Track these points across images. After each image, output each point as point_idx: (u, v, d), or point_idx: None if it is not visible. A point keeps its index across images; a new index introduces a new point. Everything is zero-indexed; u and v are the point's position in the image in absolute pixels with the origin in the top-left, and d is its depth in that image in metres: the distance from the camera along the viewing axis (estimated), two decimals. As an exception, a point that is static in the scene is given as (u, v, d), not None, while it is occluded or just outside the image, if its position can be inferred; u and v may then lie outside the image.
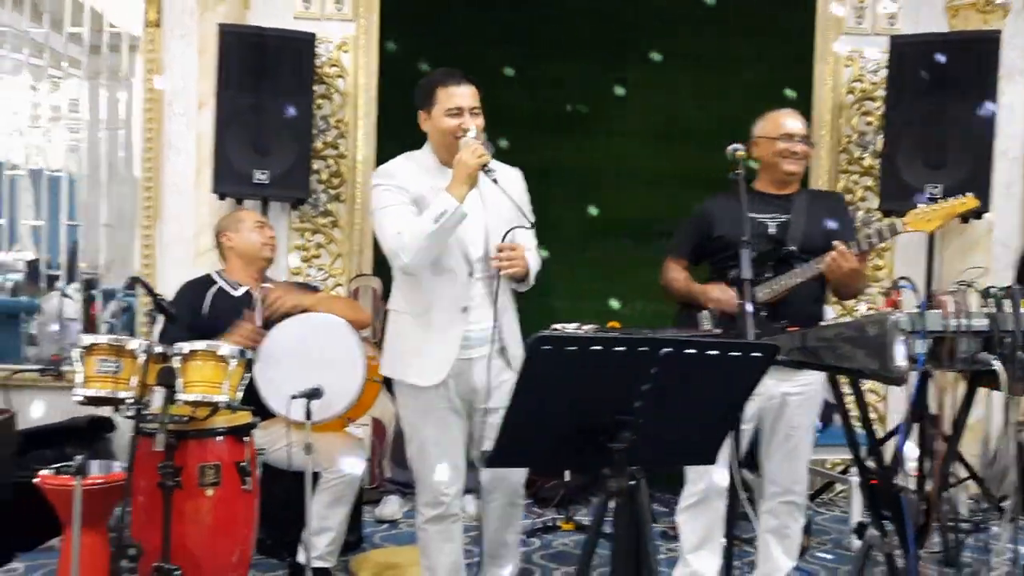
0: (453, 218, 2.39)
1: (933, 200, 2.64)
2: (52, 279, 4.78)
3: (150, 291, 2.41)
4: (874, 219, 4.41)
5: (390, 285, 4.25)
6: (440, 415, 2.56)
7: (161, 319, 2.44)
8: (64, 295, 4.95)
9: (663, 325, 3.05)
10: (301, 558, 2.96)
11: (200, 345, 2.32)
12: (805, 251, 2.72)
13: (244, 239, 3.16)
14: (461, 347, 2.53)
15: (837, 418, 3.90)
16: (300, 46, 4.17)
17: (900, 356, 1.97)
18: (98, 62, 4.76)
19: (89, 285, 4.79)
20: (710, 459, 1.76)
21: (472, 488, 3.61)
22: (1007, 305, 2.06)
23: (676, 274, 2.95)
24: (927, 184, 3.89)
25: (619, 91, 4.76)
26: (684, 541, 2.91)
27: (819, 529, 3.96)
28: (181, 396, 2.27)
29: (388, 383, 4.33)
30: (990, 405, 2.21)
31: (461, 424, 2.60)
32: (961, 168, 3.89)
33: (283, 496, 3.16)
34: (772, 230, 2.80)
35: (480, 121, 2.53)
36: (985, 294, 2.09)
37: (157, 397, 2.30)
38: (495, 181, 2.43)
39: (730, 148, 2.65)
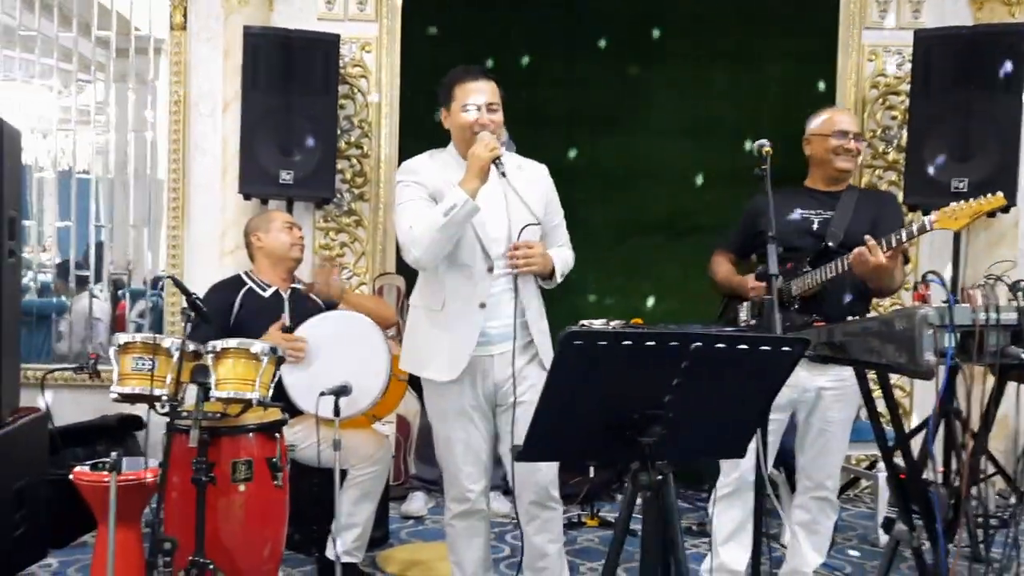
0: (462, 211, 2.37)
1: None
2: (81, 280, 4.85)
3: (184, 290, 2.44)
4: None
5: (414, 283, 4.36)
6: (462, 411, 2.56)
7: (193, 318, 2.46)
8: (92, 295, 5.02)
9: (689, 321, 3.07)
10: (330, 553, 3.00)
11: (232, 343, 2.36)
12: (845, 247, 2.70)
13: (274, 239, 3.20)
14: (479, 344, 2.50)
15: (863, 413, 3.91)
16: (325, 47, 4.21)
17: (929, 350, 1.97)
18: (125, 65, 4.82)
19: (116, 285, 4.86)
20: (740, 453, 1.77)
21: (497, 485, 3.65)
22: (1036, 299, 2.06)
23: (720, 267, 3.03)
24: (953, 178, 3.87)
25: (646, 89, 4.76)
26: (716, 532, 2.89)
27: (845, 525, 3.95)
28: (214, 393, 2.31)
29: (413, 380, 4.44)
30: (1019, 399, 2.18)
31: (485, 422, 2.60)
32: (987, 162, 3.86)
33: (311, 492, 3.21)
34: (815, 227, 2.82)
35: (498, 117, 2.52)
36: (1014, 288, 2.08)
37: (191, 394, 2.33)
38: (503, 174, 2.40)
39: (756, 144, 2.66)
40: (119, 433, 4.30)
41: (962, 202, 2.50)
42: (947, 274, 4.06)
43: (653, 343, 1.53)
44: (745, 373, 1.62)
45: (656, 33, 4.73)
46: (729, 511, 2.83)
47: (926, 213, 4.08)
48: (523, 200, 2.45)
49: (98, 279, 4.85)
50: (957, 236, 4.08)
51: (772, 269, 2.33)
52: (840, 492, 4.30)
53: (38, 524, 3.45)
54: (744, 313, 2.80)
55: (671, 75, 4.71)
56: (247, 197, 4.26)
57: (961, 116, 3.88)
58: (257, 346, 2.37)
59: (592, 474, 3.99)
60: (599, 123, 4.72)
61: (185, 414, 2.31)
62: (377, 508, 3.32)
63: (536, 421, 1.60)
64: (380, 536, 3.59)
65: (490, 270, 2.50)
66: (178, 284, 2.52)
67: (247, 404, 2.37)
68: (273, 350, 2.41)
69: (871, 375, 2.41)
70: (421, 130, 4.55)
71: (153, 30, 4.69)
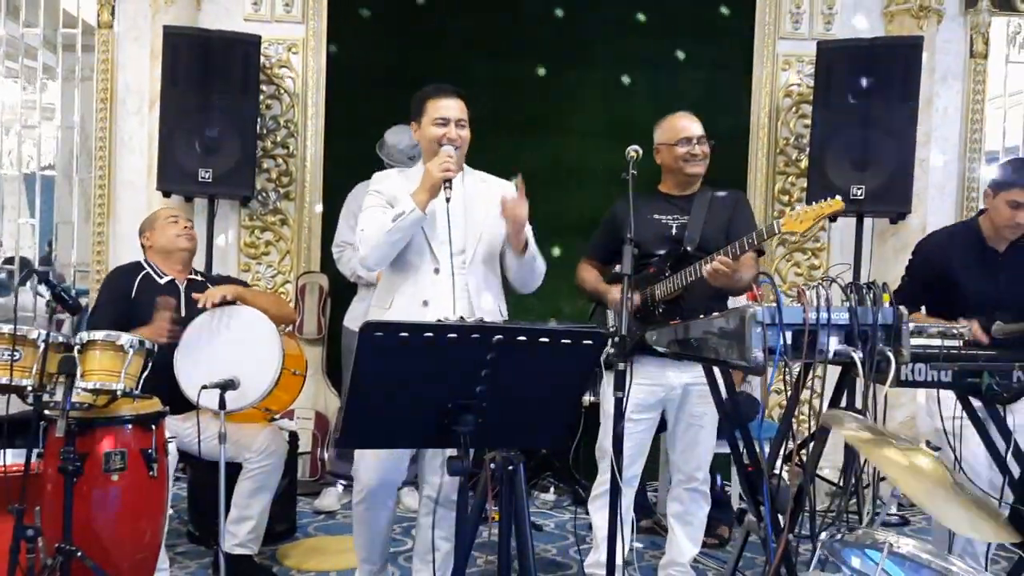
0: (408, 219, 2.54)
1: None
2: (11, 274, 4.87)
3: (47, 282, 2.49)
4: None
5: (336, 282, 4.42)
6: None
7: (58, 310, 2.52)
8: (38, 293, 5.04)
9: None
10: (224, 546, 3.05)
11: (99, 335, 2.41)
12: (702, 251, 2.82)
13: (159, 234, 3.27)
14: None
15: (775, 415, 4.02)
16: (246, 47, 4.26)
17: (757, 347, 2.06)
18: (53, 61, 4.84)
19: (45, 281, 4.87)
20: (556, 442, 1.85)
21: (411, 482, 3.71)
22: (868, 300, 2.15)
23: (587, 274, 3.09)
24: (852, 185, 3.98)
25: (569, 92, 4.84)
26: (596, 530, 3.02)
27: (745, 522, 4.03)
28: (80, 384, 2.35)
29: (333, 378, 4.49)
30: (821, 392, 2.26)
31: None
32: (885, 170, 3.98)
33: (211, 486, 3.25)
34: (673, 231, 2.92)
35: (465, 133, 2.69)
36: (847, 289, 2.17)
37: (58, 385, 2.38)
38: (448, 200, 2.56)
39: (628, 149, 2.76)
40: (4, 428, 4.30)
41: (805, 206, 2.60)
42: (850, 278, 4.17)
43: (455, 335, 1.61)
44: (550, 365, 1.70)
45: (580, 37, 4.80)
46: (604, 509, 2.91)
47: (832, 220, 4.22)
48: (476, 215, 2.68)
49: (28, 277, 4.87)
50: (859, 243, 4.19)
51: (626, 269, 2.41)
52: (746, 490, 4.43)
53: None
54: (611, 319, 2.89)
55: (594, 79, 4.78)
56: (167, 194, 4.31)
57: (860, 125, 3.99)
58: (124, 338, 2.42)
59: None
60: (522, 125, 4.79)
61: (53, 404, 2.35)
62: (284, 502, 3.38)
63: (347, 409, 1.67)
64: (285, 530, 3.65)
65: (436, 271, 2.65)
66: (41, 276, 2.57)
67: (113, 395, 2.42)
68: (141, 343, 2.46)
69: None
70: (346, 130, 4.67)
71: (86, 23, 4.73)
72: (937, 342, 2.38)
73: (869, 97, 3.99)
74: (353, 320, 4.17)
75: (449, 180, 2.55)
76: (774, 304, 2.08)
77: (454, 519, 2.70)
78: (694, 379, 2.85)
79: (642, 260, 2.89)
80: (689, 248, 2.83)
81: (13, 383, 2.34)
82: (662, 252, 2.87)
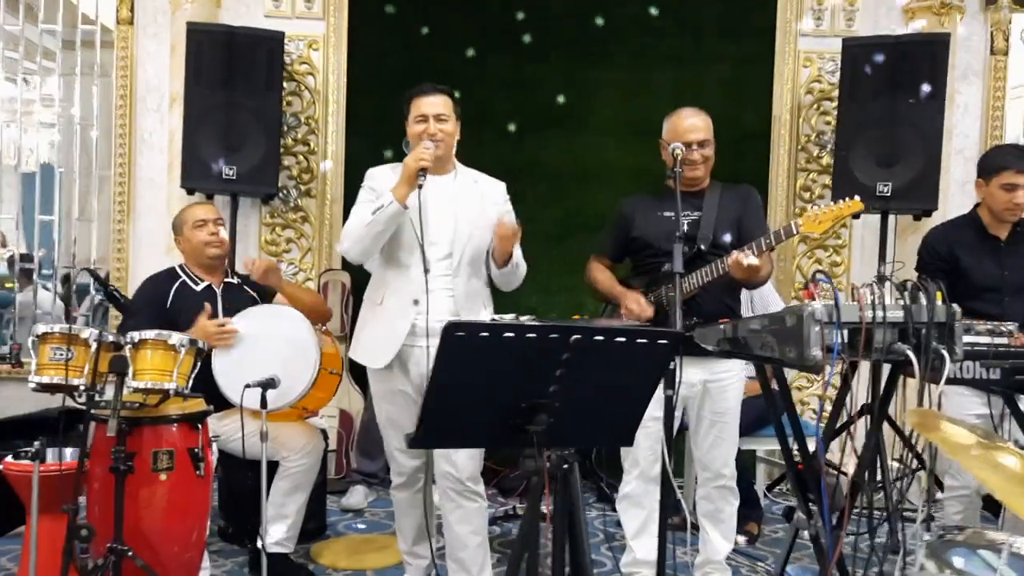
0: (387, 212, 2.62)
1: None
2: (30, 273, 4.86)
3: (100, 281, 2.49)
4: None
5: (359, 280, 4.41)
6: (394, 396, 2.79)
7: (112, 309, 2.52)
8: (45, 288, 5.02)
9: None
10: (261, 544, 3.04)
11: (150, 334, 2.40)
12: (715, 247, 2.83)
13: (188, 238, 3.22)
14: (410, 335, 2.73)
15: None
16: (270, 44, 4.25)
17: (816, 345, 2.07)
18: (73, 57, 4.82)
19: (66, 279, 4.87)
20: (627, 441, 1.85)
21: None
22: (922, 298, 2.17)
23: (599, 274, 3.05)
24: (879, 182, 3.99)
25: (581, 88, 4.84)
26: (625, 528, 3.03)
27: (772, 518, 4.06)
28: (132, 383, 2.35)
29: (359, 378, 4.49)
30: (904, 394, 2.29)
31: (413, 407, 2.76)
32: (911, 167, 3.99)
33: (245, 485, 3.25)
34: (685, 229, 2.88)
35: (447, 126, 2.76)
36: (901, 287, 2.18)
37: (111, 384, 2.37)
38: (420, 186, 2.62)
39: (673, 146, 2.76)
40: (60, 426, 4.30)
41: (823, 207, 2.62)
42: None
43: (534, 335, 1.61)
44: (625, 364, 1.71)
45: (600, 35, 4.80)
46: (633, 508, 2.95)
47: (856, 217, 4.22)
48: (467, 214, 2.75)
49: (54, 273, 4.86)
50: (883, 240, 4.20)
51: (677, 267, 2.41)
52: (770, 487, 4.45)
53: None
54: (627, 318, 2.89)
55: (615, 76, 4.78)
56: (190, 192, 4.29)
57: (887, 122, 4.00)
58: (175, 337, 2.42)
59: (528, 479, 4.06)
60: (544, 123, 4.79)
61: (103, 404, 2.34)
62: (314, 501, 3.37)
63: (425, 409, 1.67)
64: (316, 528, 3.65)
65: (426, 271, 2.71)
66: (95, 276, 2.56)
67: (165, 394, 2.41)
68: (192, 342, 2.45)
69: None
70: (367, 127, 4.66)
71: (101, 22, 4.71)
72: (986, 340, 2.39)
73: (895, 94, 3.99)
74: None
75: (424, 170, 2.60)
76: (831, 302, 2.09)
77: (478, 511, 2.78)
78: (713, 376, 2.86)
79: (654, 259, 2.89)
80: (703, 246, 2.83)
81: (68, 383, 2.32)
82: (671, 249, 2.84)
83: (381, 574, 3.24)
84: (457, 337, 1.57)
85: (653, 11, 4.78)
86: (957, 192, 4.53)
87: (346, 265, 4.59)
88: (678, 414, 2.91)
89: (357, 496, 4.14)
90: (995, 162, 3.12)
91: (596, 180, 4.82)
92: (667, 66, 4.75)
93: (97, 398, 2.35)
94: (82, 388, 2.33)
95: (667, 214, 2.82)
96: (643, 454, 2.89)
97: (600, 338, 1.64)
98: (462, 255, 2.76)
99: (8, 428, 4.02)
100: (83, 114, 4.80)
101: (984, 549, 1.43)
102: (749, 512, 3.68)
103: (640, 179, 4.78)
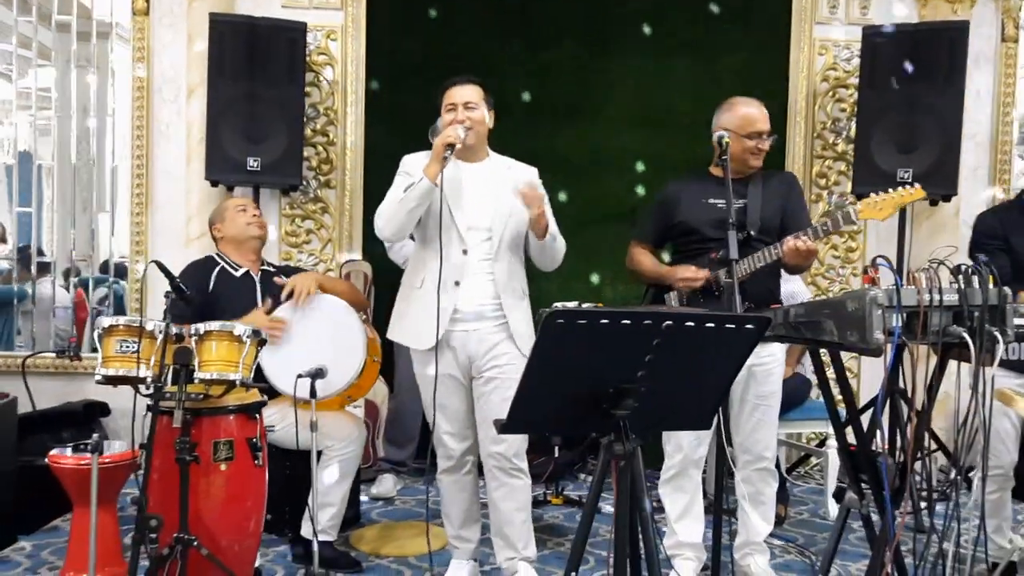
0: (417, 189, 2.68)
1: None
2: (41, 266, 4.83)
3: (168, 274, 2.50)
4: (847, 202, 4.58)
5: (380, 270, 4.43)
6: (442, 379, 2.81)
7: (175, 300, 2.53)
8: (55, 282, 5.00)
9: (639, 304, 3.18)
10: (305, 532, 3.07)
11: (215, 325, 2.42)
12: (763, 233, 2.88)
13: (231, 225, 3.28)
14: (454, 319, 2.79)
15: (815, 393, 4.10)
16: (291, 35, 4.24)
17: (878, 329, 2.12)
18: (83, 50, 4.79)
19: (75, 272, 4.85)
20: (706, 424, 1.90)
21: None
22: (975, 281, 2.22)
23: (643, 258, 3.09)
24: (899, 169, 4.06)
25: (596, 76, 4.87)
26: (669, 512, 3.09)
27: (796, 500, 4.14)
28: (198, 374, 2.37)
29: (383, 367, 4.51)
30: (957, 379, 2.37)
31: (462, 389, 2.86)
32: (931, 153, 4.06)
33: (284, 475, 3.28)
34: (733, 216, 2.93)
35: (476, 114, 2.81)
36: (956, 271, 2.24)
37: (173, 376, 2.38)
38: (445, 157, 2.67)
39: (719, 134, 2.80)
40: (84, 420, 4.31)
41: (883, 194, 2.66)
42: (893, 260, 4.26)
43: (628, 322, 1.65)
44: (711, 349, 1.75)
45: (612, 23, 4.82)
46: (676, 492, 3.01)
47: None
48: (503, 201, 2.80)
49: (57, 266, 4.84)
50: (901, 224, 4.28)
51: (732, 254, 2.46)
52: (791, 469, 4.53)
53: (6, 510, 3.46)
54: (673, 301, 2.93)
55: (630, 65, 4.81)
56: (214, 184, 4.29)
57: (906, 109, 4.06)
58: (240, 328, 2.44)
59: (556, 454, 4.12)
60: (559, 112, 4.81)
61: (169, 395, 2.36)
62: (351, 488, 3.40)
63: (519, 395, 1.70)
64: (352, 516, 3.67)
65: (464, 253, 2.77)
66: (162, 268, 2.57)
67: (231, 385, 2.43)
68: (256, 332, 2.47)
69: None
70: (386, 117, 4.67)
71: (113, 15, 4.68)
72: (1033, 321, 2.45)
73: (914, 81, 4.05)
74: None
75: (452, 146, 2.66)
76: (891, 287, 2.15)
77: (523, 488, 2.86)
78: (758, 360, 2.91)
79: (700, 245, 2.93)
80: (753, 232, 2.88)
81: (137, 375, 2.33)
82: (721, 237, 2.89)
83: (424, 560, 3.28)
84: (558, 325, 1.61)
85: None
86: (969, 177, 4.61)
87: (367, 255, 4.61)
88: None
89: (386, 484, 4.18)
90: None
91: (613, 170, 4.85)
92: (682, 55, 4.78)
93: (163, 389, 2.36)
94: (149, 380, 2.34)
95: (712, 201, 2.87)
96: (686, 439, 2.95)
97: (691, 323, 1.67)
98: (501, 238, 2.82)
99: (30, 424, 4.03)
100: (94, 106, 4.76)
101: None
102: (776, 494, 3.75)
103: (655, 168, 4.85)
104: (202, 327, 2.41)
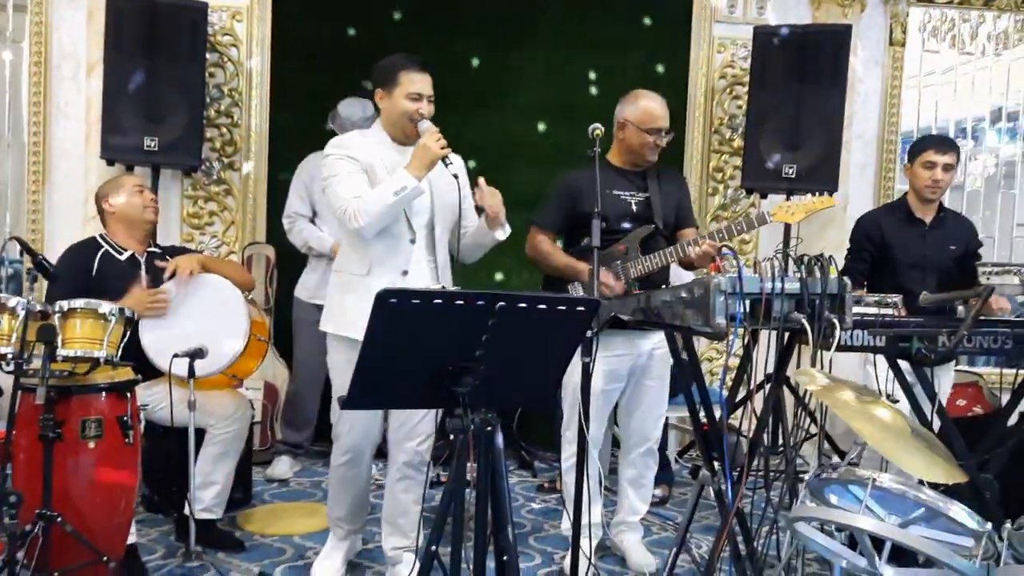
0: (410, 195, 2.63)
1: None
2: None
3: (29, 250, 2.49)
4: (741, 196, 4.75)
5: (283, 253, 4.44)
6: None
7: (42, 279, 2.52)
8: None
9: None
10: (188, 511, 3.09)
11: (79, 303, 2.42)
12: (666, 228, 2.99)
13: (126, 203, 3.21)
14: None
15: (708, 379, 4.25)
16: (193, 15, 4.20)
17: (720, 314, 2.24)
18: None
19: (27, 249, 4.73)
20: (547, 402, 2.00)
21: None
22: (817, 271, 2.36)
23: (551, 248, 3.12)
24: (784, 165, 4.23)
25: (510, 70, 4.94)
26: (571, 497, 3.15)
27: (682, 481, 4.29)
28: (61, 352, 2.37)
29: (283, 350, 4.52)
30: (799, 361, 2.52)
31: None
32: (815, 151, 4.24)
33: (170, 453, 3.28)
34: (634, 207, 3.04)
35: (432, 109, 2.77)
36: (799, 261, 2.37)
37: (38, 353, 2.38)
38: (456, 177, 2.69)
39: (590, 127, 2.89)
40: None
41: (797, 199, 2.81)
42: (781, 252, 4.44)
43: (462, 302, 1.72)
44: (546, 330, 1.84)
45: (524, 17, 4.89)
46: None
47: (763, 197, 4.48)
48: (437, 188, 2.77)
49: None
50: (791, 219, 4.45)
51: (595, 242, 2.55)
52: (681, 453, 4.69)
53: None
54: (573, 292, 3.01)
55: (537, 57, 4.89)
56: (111, 163, 4.23)
57: (792, 108, 4.23)
58: (105, 306, 2.44)
59: (452, 437, 4.18)
60: (468, 103, 4.86)
61: (31, 372, 2.35)
62: (240, 471, 3.42)
63: (358, 371, 1.77)
64: (242, 497, 3.68)
65: (412, 241, 2.76)
66: (23, 244, 2.55)
67: (95, 363, 2.44)
68: (122, 311, 2.48)
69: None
70: (290, 102, 4.66)
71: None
72: (874, 310, 2.62)
73: (801, 81, 4.22)
74: (304, 290, 4.21)
75: (446, 156, 2.65)
76: (734, 275, 2.27)
77: (423, 482, 2.88)
78: (656, 344, 3.03)
79: (608, 236, 2.95)
80: (660, 225, 2.98)
81: (-5, 351, 2.33)
82: (627, 228, 2.98)
83: (309, 539, 3.32)
84: (390, 303, 1.67)
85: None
86: (857, 175, 4.83)
87: (270, 238, 4.61)
88: (623, 385, 3.06)
89: (282, 466, 4.20)
90: (919, 146, 3.49)
91: (521, 160, 4.93)
92: (588, 48, 4.88)
93: (25, 367, 2.35)
94: (10, 356, 2.33)
95: (616, 192, 2.96)
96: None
97: (523, 305, 1.76)
98: (442, 225, 2.81)
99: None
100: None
101: (854, 484, 1.62)
102: (660, 475, 3.87)
103: (560, 158, 4.94)
104: (65, 304, 2.40)
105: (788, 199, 4.46)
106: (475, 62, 4.91)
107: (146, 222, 3.25)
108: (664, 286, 2.91)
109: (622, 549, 3.20)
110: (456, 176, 2.70)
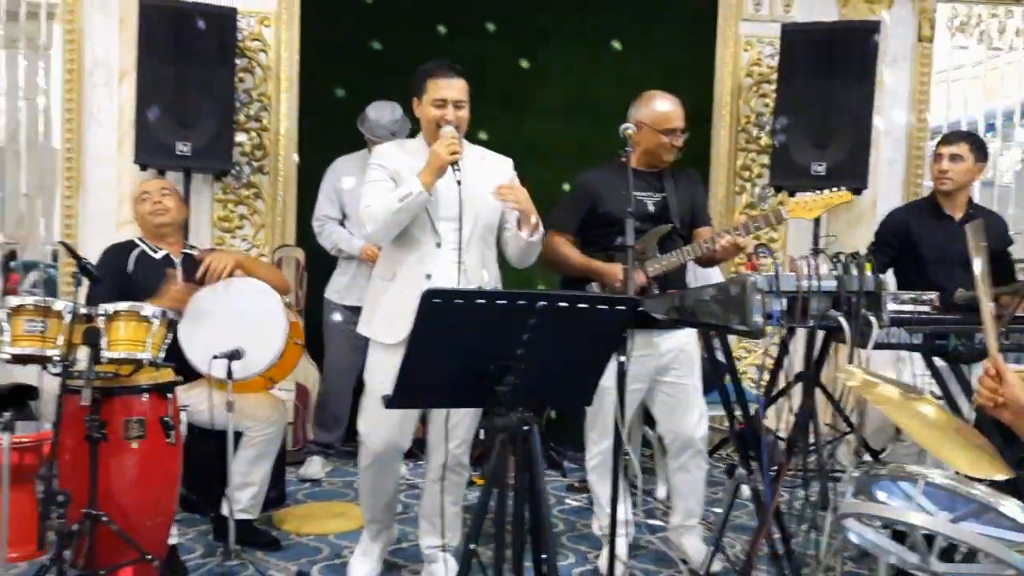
0: (415, 201, 2.62)
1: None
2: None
3: (74, 254, 2.54)
4: (769, 195, 4.74)
5: (313, 256, 4.48)
6: None
7: (85, 282, 2.57)
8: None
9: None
10: (225, 511, 3.13)
11: (123, 306, 2.46)
12: (683, 227, 3.00)
13: (135, 211, 3.33)
14: None
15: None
16: (222, 20, 4.26)
17: (757, 312, 2.25)
18: (15, 30, 4.75)
19: (10, 256, 4.82)
20: (587, 401, 2.01)
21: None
22: (853, 269, 2.36)
23: (569, 250, 3.08)
24: (813, 163, 4.22)
25: (527, 67, 4.95)
26: (599, 497, 3.17)
27: (714, 480, 4.28)
28: (106, 354, 2.41)
29: (315, 352, 4.56)
30: (836, 358, 2.51)
31: None
32: (844, 148, 4.22)
33: (208, 455, 3.32)
34: (650, 208, 3.03)
35: (463, 114, 2.75)
36: (834, 259, 2.37)
37: (83, 355, 2.43)
38: (459, 183, 2.64)
39: (622, 127, 2.89)
40: (11, 402, 4.30)
41: (812, 194, 2.80)
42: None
43: (504, 302, 1.74)
44: (586, 329, 1.85)
45: (542, 15, 4.89)
46: (605, 476, 3.08)
47: (791, 195, 4.46)
48: (475, 191, 2.70)
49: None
50: (817, 216, 4.43)
51: (629, 241, 2.56)
52: (711, 452, 4.68)
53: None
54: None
55: (562, 57, 4.90)
56: (143, 168, 4.30)
57: (820, 105, 4.22)
58: (148, 309, 2.49)
59: (482, 436, 4.21)
60: (489, 102, 4.87)
61: (77, 374, 2.40)
62: (274, 471, 3.47)
63: (403, 372, 1.79)
64: (276, 497, 3.72)
65: (438, 246, 2.74)
66: (69, 249, 2.60)
67: (138, 364, 2.48)
68: (164, 313, 2.52)
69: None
70: (320, 105, 4.71)
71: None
72: (910, 308, 2.61)
73: (829, 78, 4.21)
74: (334, 292, 4.25)
75: (457, 161, 2.63)
76: (771, 273, 2.28)
77: (461, 484, 2.91)
78: (681, 344, 3.02)
79: (622, 235, 2.98)
80: (677, 224, 2.99)
81: (44, 354, 2.37)
82: (645, 229, 2.98)
83: (343, 538, 3.36)
84: (434, 304, 1.69)
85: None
86: (886, 172, 4.80)
87: (300, 241, 4.66)
88: (646, 386, 3.05)
89: (315, 467, 4.24)
90: (938, 143, 3.55)
91: (544, 160, 4.92)
92: (611, 47, 4.88)
93: (71, 368, 2.40)
94: (56, 359, 2.38)
95: (635, 194, 2.95)
96: (612, 425, 3.03)
97: (564, 305, 1.77)
98: (472, 230, 2.75)
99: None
100: (26, 88, 4.73)
101: (903, 481, 1.62)
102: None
103: (584, 157, 4.94)
104: (111, 307, 2.45)
105: (817, 197, 4.46)
106: (494, 62, 4.92)
107: (155, 226, 3.27)
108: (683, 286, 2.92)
109: (683, 550, 3.18)
110: (459, 183, 2.64)
